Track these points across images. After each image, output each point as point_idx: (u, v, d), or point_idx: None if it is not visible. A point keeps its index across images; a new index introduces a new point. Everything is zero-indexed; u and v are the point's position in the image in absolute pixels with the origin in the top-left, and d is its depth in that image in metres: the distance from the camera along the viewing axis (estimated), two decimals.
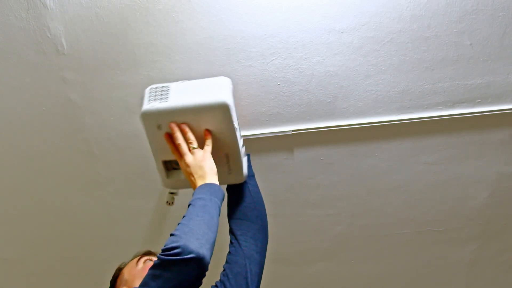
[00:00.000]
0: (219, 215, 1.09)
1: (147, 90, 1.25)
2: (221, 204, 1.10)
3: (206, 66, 1.44)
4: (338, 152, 1.58)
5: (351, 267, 1.79)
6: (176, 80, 1.30)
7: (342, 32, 1.43)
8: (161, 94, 1.21)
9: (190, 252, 0.93)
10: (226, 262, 1.18)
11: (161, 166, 1.29)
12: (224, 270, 1.16)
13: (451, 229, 1.74)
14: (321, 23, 1.42)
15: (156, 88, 1.24)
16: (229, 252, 1.20)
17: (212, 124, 1.21)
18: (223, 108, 1.18)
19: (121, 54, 1.43)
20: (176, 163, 1.25)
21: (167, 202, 1.39)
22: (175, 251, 0.94)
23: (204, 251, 0.96)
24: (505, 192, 1.69)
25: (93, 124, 1.51)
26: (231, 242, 1.23)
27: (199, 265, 0.95)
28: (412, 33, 1.44)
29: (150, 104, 1.19)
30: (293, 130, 1.52)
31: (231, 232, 1.25)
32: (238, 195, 1.31)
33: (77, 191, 1.61)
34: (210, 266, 0.98)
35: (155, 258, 1.02)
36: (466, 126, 1.56)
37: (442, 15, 1.43)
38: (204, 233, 0.99)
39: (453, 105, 1.53)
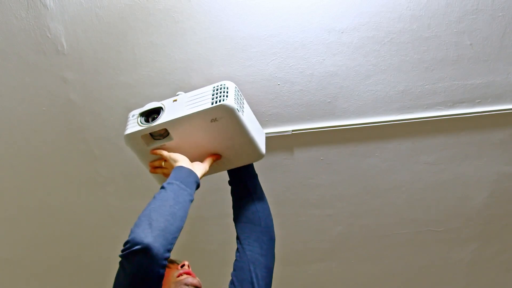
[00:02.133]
0: (191, 201, 1.07)
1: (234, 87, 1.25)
2: (193, 191, 1.09)
3: (206, 66, 1.44)
4: (338, 152, 1.58)
5: (351, 267, 1.79)
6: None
7: (342, 32, 1.43)
8: (241, 101, 1.25)
9: (136, 244, 0.90)
10: (233, 269, 1.18)
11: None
12: (231, 278, 1.16)
13: (451, 229, 1.74)
14: (321, 23, 1.42)
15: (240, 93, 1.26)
16: (235, 259, 1.20)
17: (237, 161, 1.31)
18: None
19: (121, 54, 1.43)
20: (162, 135, 1.24)
21: None
22: (127, 245, 0.92)
23: (149, 239, 0.91)
24: (505, 192, 1.69)
25: (93, 124, 1.51)
26: (237, 249, 1.22)
27: (147, 255, 0.90)
28: (412, 33, 1.44)
29: (235, 102, 1.18)
30: (293, 130, 1.52)
31: (237, 237, 1.25)
32: (240, 198, 1.31)
33: (77, 191, 1.61)
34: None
35: None
36: (466, 126, 1.56)
37: (442, 15, 1.43)
38: (158, 219, 0.96)
39: (453, 105, 1.53)
